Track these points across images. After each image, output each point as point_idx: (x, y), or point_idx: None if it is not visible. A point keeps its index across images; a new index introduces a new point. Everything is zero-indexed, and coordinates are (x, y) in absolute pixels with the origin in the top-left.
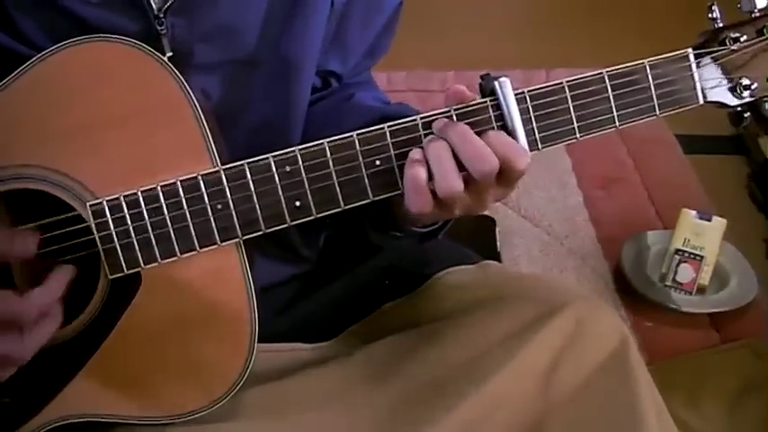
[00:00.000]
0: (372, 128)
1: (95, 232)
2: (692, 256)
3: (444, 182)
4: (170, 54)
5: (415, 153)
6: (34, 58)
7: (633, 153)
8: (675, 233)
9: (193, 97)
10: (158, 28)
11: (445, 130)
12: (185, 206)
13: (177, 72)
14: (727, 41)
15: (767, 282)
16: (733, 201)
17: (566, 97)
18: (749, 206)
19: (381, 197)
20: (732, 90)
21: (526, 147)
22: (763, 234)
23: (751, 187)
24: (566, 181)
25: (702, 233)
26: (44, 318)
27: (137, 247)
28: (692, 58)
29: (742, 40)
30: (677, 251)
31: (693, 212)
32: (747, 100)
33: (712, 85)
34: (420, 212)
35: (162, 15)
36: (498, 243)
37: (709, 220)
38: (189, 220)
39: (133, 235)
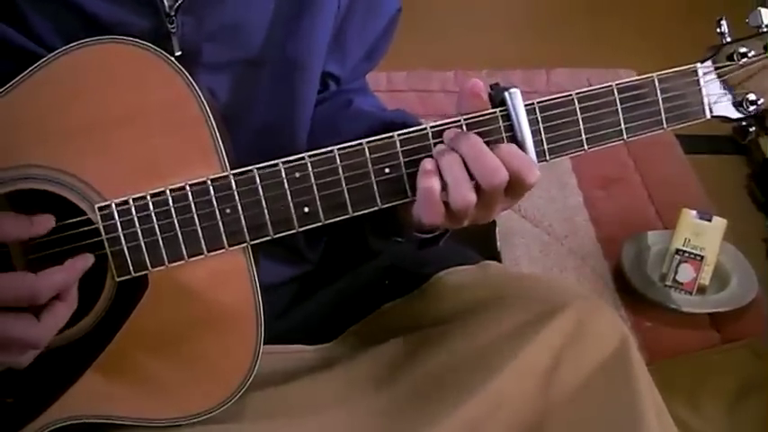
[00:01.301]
0: (382, 136)
1: (103, 234)
2: (692, 256)
3: (458, 193)
4: (179, 53)
5: (428, 163)
6: (44, 59)
7: (633, 153)
8: (676, 233)
9: (203, 98)
10: (169, 26)
11: (457, 141)
12: (194, 210)
13: (186, 73)
14: (734, 56)
15: (767, 282)
16: (733, 201)
17: (575, 109)
18: (749, 206)
19: (390, 205)
20: (738, 105)
21: (534, 158)
22: (764, 234)
23: (751, 187)
24: (566, 181)
25: (703, 233)
26: (60, 301)
27: (144, 250)
28: (700, 72)
29: (750, 55)
30: (677, 251)
31: (694, 212)
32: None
33: (719, 99)
34: (430, 222)
35: (173, 14)
36: (498, 243)
37: (710, 220)
38: (197, 224)
39: (141, 238)
